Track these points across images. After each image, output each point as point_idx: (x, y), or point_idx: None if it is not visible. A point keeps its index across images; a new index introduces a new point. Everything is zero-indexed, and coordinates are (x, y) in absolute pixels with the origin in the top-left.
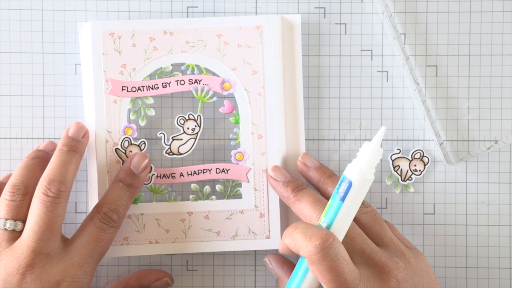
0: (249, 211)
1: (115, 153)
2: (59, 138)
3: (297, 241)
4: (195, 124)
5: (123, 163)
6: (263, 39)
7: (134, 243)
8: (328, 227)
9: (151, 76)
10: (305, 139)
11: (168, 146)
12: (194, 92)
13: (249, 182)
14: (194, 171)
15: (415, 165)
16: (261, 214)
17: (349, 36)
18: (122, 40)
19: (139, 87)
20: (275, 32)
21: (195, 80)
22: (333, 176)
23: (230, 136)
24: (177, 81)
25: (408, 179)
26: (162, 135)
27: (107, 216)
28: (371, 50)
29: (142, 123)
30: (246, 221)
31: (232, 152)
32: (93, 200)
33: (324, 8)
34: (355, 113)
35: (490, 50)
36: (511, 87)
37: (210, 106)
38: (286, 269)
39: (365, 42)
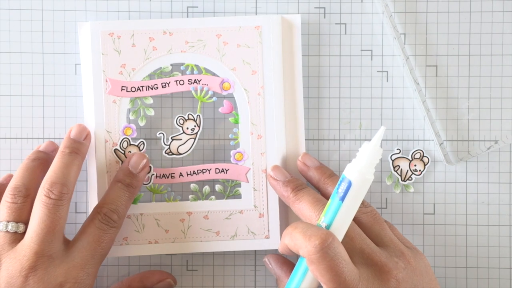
0: (248, 211)
1: (114, 154)
2: (59, 138)
3: (297, 240)
4: (195, 124)
5: (122, 164)
6: (262, 39)
7: (133, 243)
8: (328, 227)
9: (151, 76)
10: (305, 139)
11: (168, 146)
12: (193, 92)
13: (248, 182)
14: (194, 171)
15: (415, 165)
16: (260, 214)
17: (349, 36)
18: (122, 40)
19: (138, 87)
20: (274, 32)
21: (195, 80)
22: (333, 176)
23: (230, 136)
24: (176, 81)
25: (408, 179)
26: (161, 135)
27: (107, 217)
28: (371, 50)
29: (142, 123)
30: (246, 221)
31: (232, 152)
32: (93, 200)
33: (324, 8)
34: (355, 113)
35: (490, 50)
36: (511, 87)
37: (210, 106)
38: (285, 269)
39: (365, 42)
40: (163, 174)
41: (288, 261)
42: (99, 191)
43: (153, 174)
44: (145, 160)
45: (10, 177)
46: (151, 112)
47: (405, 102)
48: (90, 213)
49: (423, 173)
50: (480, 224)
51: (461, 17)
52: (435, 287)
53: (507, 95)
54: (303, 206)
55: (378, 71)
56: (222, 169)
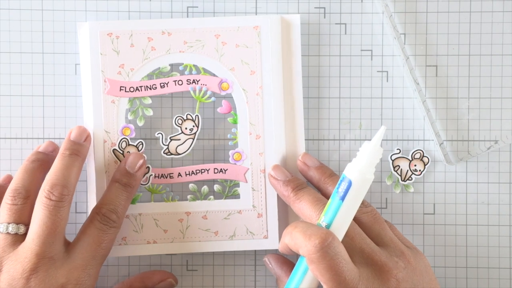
0: (247, 211)
1: (113, 154)
2: (59, 138)
3: (297, 240)
4: (193, 124)
5: None
6: (261, 39)
7: (132, 243)
8: (328, 226)
9: (149, 76)
10: (305, 139)
11: (166, 146)
12: (192, 92)
13: (247, 182)
14: (192, 171)
15: (415, 165)
16: (259, 214)
17: (349, 36)
18: (120, 40)
19: (137, 87)
20: (273, 32)
21: (193, 80)
22: (334, 175)
23: (228, 136)
24: (175, 81)
25: (408, 179)
26: (160, 135)
27: (106, 217)
28: (371, 50)
29: (140, 123)
30: (244, 221)
31: (230, 152)
32: (92, 200)
33: (324, 8)
34: (355, 113)
35: (490, 50)
36: (511, 87)
37: (208, 106)
38: (285, 268)
39: (365, 42)
40: (162, 174)
41: (288, 261)
42: (97, 191)
43: (152, 175)
44: (142, 160)
45: (8, 178)
46: (149, 112)
47: (405, 102)
48: (89, 213)
49: (423, 173)
50: (480, 224)
51: (461, 17)
52: (435, 287)
53: (507, 95)
54: (303, 206)
55: (378, 71)
56: (221, 169)
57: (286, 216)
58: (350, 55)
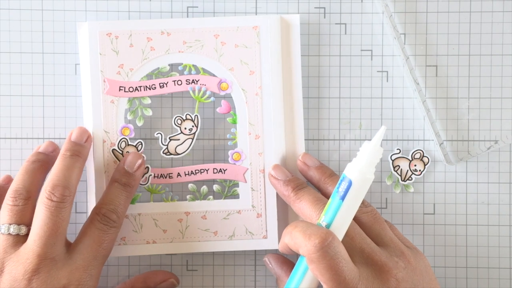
0: (246, 211)
1: (112, 154)
2: (59, 138)
3: (297, 239)
4: (193, 124)
5: None
6: (260, 39)
7: (131, 243)
8: (328, 226)
9: (148, 76)
10: (305, 139)
11: (166, 146)
12: (191, 92)
13: (246, 182)
14: (192, 171)
15: (415, 165)
16: (258, 214)
17: (349, 36)
18: (119, 40)
19: (136, 87)
20: (272, 32)
21: (193, 80)
22: (334, 175)
23: (227, 136)
24: (174, 81)
25: (408, 179)
26: (159, 135)
27: (106, 217)
28: (371, 50)
29: (140, 123)
30: (243, 221)
31: (229, 152)
32: (91, 200)
33: (324, 8)
34: (355, 113)
35: (490, 50)
36: (511, 87)
37: (208, 106)
38: (285, 268)
39: (365, 42)
40: (161, 174)
41: (288, 261)
42: (97, 191)
43: (151, 175)
44: (140, 160)
45: (8, 178)
46: (149, 112)
47: (405, 102)
48: (89, 213)
49: (423, 173)
50: (480, 224)
51: (461, 17)
52: (435, 287)
53: (507, 95)
54: (303, 205)
55: (378, 71)
56: (220, 169)
57: (285, 216)
58: (350, 55)
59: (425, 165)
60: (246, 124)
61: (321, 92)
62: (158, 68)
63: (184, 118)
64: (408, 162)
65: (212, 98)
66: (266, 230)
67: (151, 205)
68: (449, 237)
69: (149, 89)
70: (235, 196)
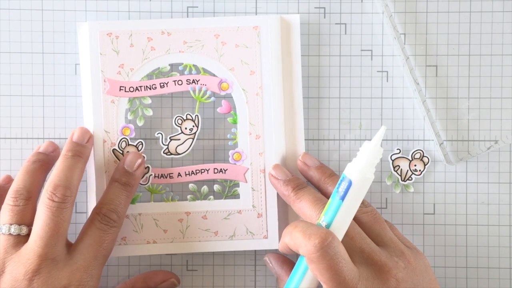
0: (246, 211)
1: (113, 154)
2: (59, 138)
3: (297, 239)
4: (193, 124)
5: None
6: (260, 39)
7: (132, 243)
8: (328, 226)
9: (149, 76)
10: (305, 139)
11: (166, 146)
12: (191, 92)
13: (246, 182)
14: (192, 171)
15: (415, 165)
16: (258, 214)
17: (349, 36)
18: (120, 40)
19: (136, 87)
20: (273, 32)
21: (193, 80)
22: (334, 175)
23: (228, 136)
24: (174, 81)
25: (408, 179)
26: (160, 135)
27: (106, 217)
28: (371, 50)
29: (140, 123)
30: (244, 221)
31: (230, 152)
32: (92, 200)
33: (324, 8)
34: (355, 113)
35: (490, 50)
36: (511, 87)
37: (208, 106)
38: (286, 268)
39: (365, 42)
40: (162, 174)
41: (289, 260)
42: (97, 191)
43: (152, 174)
44: (140, 159)
45: (8, 178)
46: (149, 112)
47: (405, 102)
48: (89, 213)
49: (423, 173)
50: (480, 224)
51: (461, 17)
52: (435, 287)
53: (507, 95)
54: (303, 205)
55: (378, 71)
56: (221, 169)
57: (286, 216)
58: (350, 55)
59: (425, 165)
60: (247, 124)
61: (321, 92)
62: (159, 68)
63: (185, 118)
64: (408, 162)
65: (212, 98)
66: (267, 230)
67: (151, 205)
68: (449, 237)
69: (150, 89)
70: (236, 196)
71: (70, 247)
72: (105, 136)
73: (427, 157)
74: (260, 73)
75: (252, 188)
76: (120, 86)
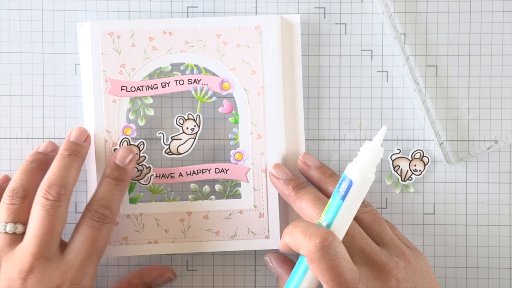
0: (248, 211)
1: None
2: (59, 138)
3: (297, 239)
4: (194, 124)
5: None
6: (262, 39)
7: (133, 243)
8: (328, 226)
9: (150, 76)
10: (305, 139)
11: (167, 146)
12: (193, 92)
13: (248, 182)
14: (193, 171)
15: (415, 165)
16: (260, 214)
17: (349, 36)
18: (121, 40)
19: (138, 87)
20: (274, 32)
21: (194, 80)
22: (334, 175)
23: (229, 136)
24: (176, 81)
25: (408, 179)
26: (161, 135)
27: (98, 213)
28: (371, 50)
29: (141, 123)
30: (245, 221)
31: (231, 152)
32: None
33: (324, 8)
34: (355, 113)
35: (490, 50)
36: (511, 87)
37: (210, 106)
38: (286, 267)
39: (365, 42)
40: (163, 174)
41: (289, 260)
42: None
43: (153, 174)
44: (132, 154)
45: (5, 178)
46: (151, 112)
47: (405, 102)
48: None
49: (423, 173)
50: (480, 224)
51: (461, 17)
52: (435, 286)
53: (507, 95)
54: (304, 205)
55: (378, 71)
56: (222, 169)
57: (287, 216)
58: (350, 55)
59: (425, 165)
60: (248, 124)
61: (321, 92)
62: (160, 67)
63: (186, 117)
64: (408, 162)
65: (214, 98)
66: (268, 230)
67: (153, 205)
68: (449, 237)
69: (151, 88)
70: (237, 196)
71: (64, 246)
72: (106, 136)
73: (427, 157)
74: (262, 73)
75: (254, 188)
76: (122, 86)
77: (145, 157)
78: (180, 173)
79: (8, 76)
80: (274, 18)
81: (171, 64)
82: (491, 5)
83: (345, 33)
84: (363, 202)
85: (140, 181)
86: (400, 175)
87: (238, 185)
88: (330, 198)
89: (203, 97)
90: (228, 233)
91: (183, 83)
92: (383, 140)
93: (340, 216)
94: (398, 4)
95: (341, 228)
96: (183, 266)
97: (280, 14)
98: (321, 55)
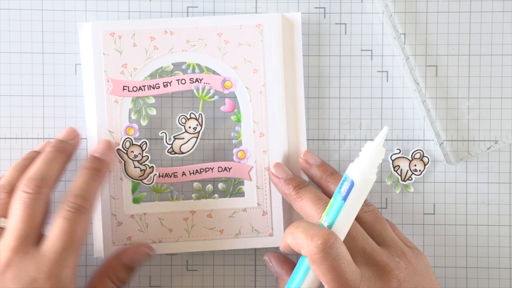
0: (252, 209)
1: (117, 154)
2: None
3: (299, 240)
4: (197, 123)
5: (124, 164)
6: (263, 37)
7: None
8: (330, 226)
9: (152, 76)
10: (306, 139)
11: (170, 145)
12: (195, 91)
13: (251, 180)
14: (196, 170)
15: (415, 165)
16: (264, 212)
17: (349, 36)
18: (123, 40)
19: (140, 86)
20: (275, 30)
21: (196, 79)
22: (335, 174)
23: (232, 134)
24: (178, 80)
25: (408, 179)
26: (164, 134)
27: (72, 203)
28: (371, 50)
29: (144, 123)
30: (249, 219)
31: (234, 151)
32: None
33: (324, 8)
34: (355, 113)
35: (490, 50)
36: (511, 87)
37: (212, 105)
38: (286, 267)
39: (365, 42)
40: (166, 174)
41: (289, 260)
42: (102, 191)
43: (156, 174)
44: (110, 148)
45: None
46: (153, 112)
47: (405, 102)
48: (95, 215)
49: (423, 173)
50: (480, 224)
51: (461, 17)
52: (435, 287)
53: (507, 95)
54: (304, 204)
55: (378, 71)
56: (225, 167)
57: (291, 213)
58: (350, 55)
59: (425, 165)
60: (251, 122)
61: (321, 92)
62: (162, 67)
63: (189, 117)
64: (408, 162)
65: (216, 97)
66: (272, 228)
67: (156, 204)
68: (449, 237)
69: (153, 88)
70: (241, 194)
71: (41, 239)
72: (109, 136)
73: (427, 157)
74: (263, 71)
75: (257, 186)
76: (124, 86)
77: (148, 156)
78: (183, 172)
79: (8, 76)
80: (275, 16)
81: (173, 64)
82: (491, 5)
83: (345, 33)
84: (365, 202)
85: (143, 181)
86: (400, 175)
87: (241, 183)
88: (332, 198)
89: (205, 96)
90: (232, 231)
91: (185, 83)
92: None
93: (342, 216)
94: (398, 4)
95: (342, 229)
96: (183, 266)
97: (280, 13)
98: (321, 55)
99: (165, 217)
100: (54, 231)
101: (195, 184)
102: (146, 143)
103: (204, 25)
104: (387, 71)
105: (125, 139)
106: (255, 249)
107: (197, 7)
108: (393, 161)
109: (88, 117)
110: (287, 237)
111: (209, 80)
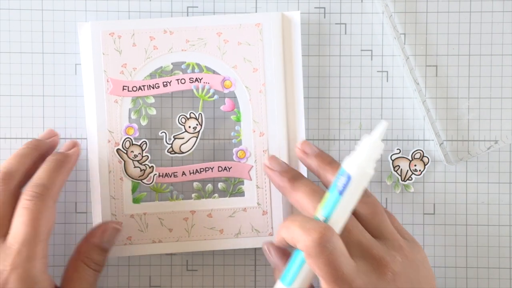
0: (252, 209)
1: (117, 154)
2: (60, 138)
3: (294, 234)
4: (197, 122)
5: (124, 164)
6: (263, 37)
7: (137, 243)
8: (326, 220)
9: (152, 75)
10: (305, 139)
11: (170, 145)
12: (195, 90)
13: (251, 179)
14: (196, 170)
15: (415, 165)
16: (264, 211)
17: (349, 36)
18: (122, 40)
19: (139, 86)
20: (275, 29)
21: (196, 78)
22: (333, 163)
23: (232, 134)
24: (177, 79)
25: (408, 179)
26: (163, 134)
27: (31, 192)
28: (371, 50)
29: (144, 123)
30: (249, 218)
31: (234, 150)
32: (95, 199)
33: (324, 8)
34: (355, 113)
35: (490, 50)
36: (511, 87)
37: (212, 104)
38: (286, 259)
39: (365, 42)
40: (166, 173)
41: (288, 252)
42: (102, 191)
43: (156, 174)
44: (75, 142)
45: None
46: (152, 111)
47: (405, 102)
48: (89, 213)
49: (423, 173)
50: (480, 224)
51: (461, 17)
52: (431, 280)
53: (507, 95)
54: (300, 196)
55: (378, 71)
56: (225, 167)
57: (291, 212)
58: (350, 55)
59: (425, 165)
60: (250, 122)
61: (321, 92)
62: (161, 67)
63: (188, 116)
64: (408, 162)
65: (215, 96)
66: (272, 227)
67: (156, 204)
68: (449, 237)
69: (153, 88)
70: (241, 194)
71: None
72: (109, 136)
73: (427, 157)
74: (263, 70)
75: (257, 185)
76: (123, 86)
77: (147, 156)
78: (183, 172)
79: (8, 76)
80: (274, 15)
81: (172, 63)
82: (491, 5)
83: (345, 33)
84: (365, 192)
85: (143, 180)
86: (400, 175)
87: (241, 183)
88: (328, 192)
89: (205, 95)
90: (232, 231)
91: (185, 82)
92: (383, 140)
93: (338, 211)
94: (398, 4)
95: (338, 223)
96: (183, 266)
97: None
98: (321, 55)
99: (165, 217)
100: (16, 222)
101: (195, 184)
102: (146, 143)
103: (204, 25)
104: (387, 71)
105: (125, 139)
106: (255, 249)
107: (197, 7)
108: (393, 161)
109: (88, 117)
110: (282, 231)
111: (209, 80)
